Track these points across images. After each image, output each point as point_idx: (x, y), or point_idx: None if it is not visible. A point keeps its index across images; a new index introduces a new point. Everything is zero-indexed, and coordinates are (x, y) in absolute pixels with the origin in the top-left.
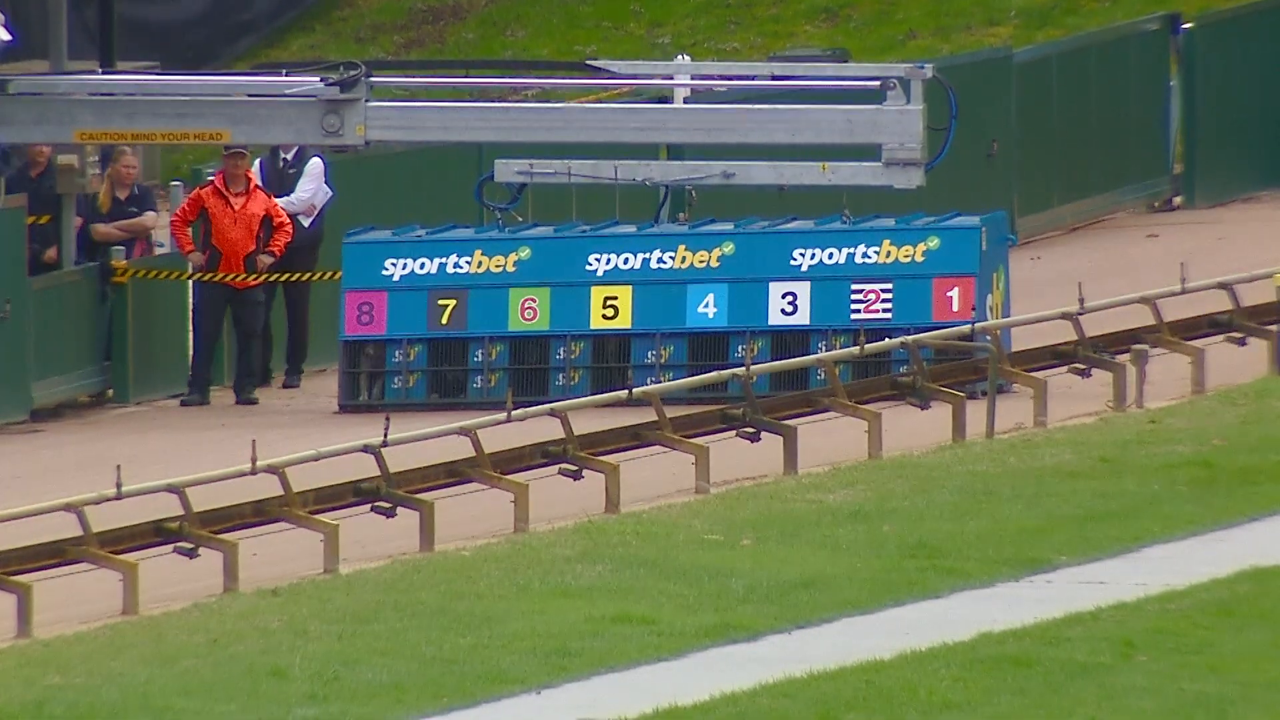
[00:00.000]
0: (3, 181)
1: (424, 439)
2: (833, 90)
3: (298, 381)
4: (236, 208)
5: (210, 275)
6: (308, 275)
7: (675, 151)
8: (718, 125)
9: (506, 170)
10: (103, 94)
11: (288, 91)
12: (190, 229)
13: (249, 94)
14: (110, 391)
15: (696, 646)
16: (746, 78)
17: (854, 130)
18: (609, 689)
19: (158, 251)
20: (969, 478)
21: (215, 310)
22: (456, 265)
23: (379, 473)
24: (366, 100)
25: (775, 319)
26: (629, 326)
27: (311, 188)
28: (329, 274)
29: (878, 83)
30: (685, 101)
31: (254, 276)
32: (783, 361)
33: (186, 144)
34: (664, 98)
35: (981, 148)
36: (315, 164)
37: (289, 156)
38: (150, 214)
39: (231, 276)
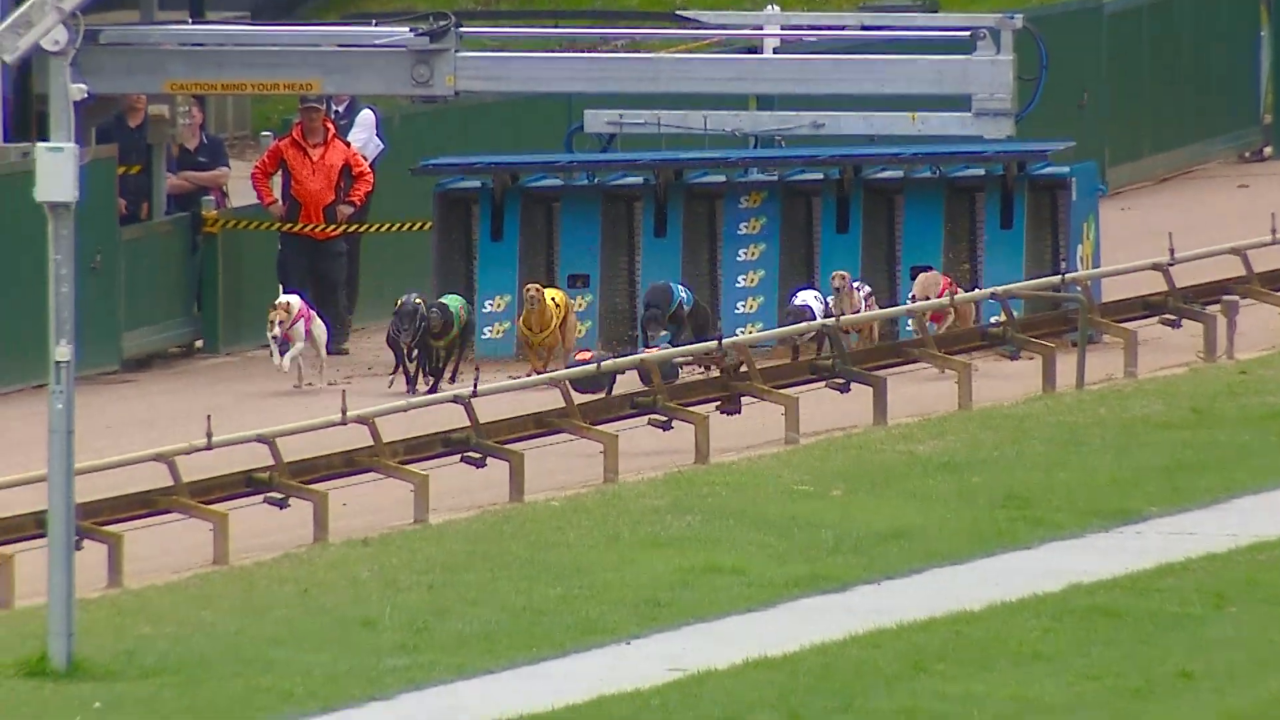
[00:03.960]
0: (93, 132)
1: (513, 390)
2: (922, 40)
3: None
4: (315, 159)
5: (291, 226)
6: (391, 226)
7: (764, 102)
8: (807, 76)
9: (596, 121)
10: (193, 44)
11: (377, 42)
12: (271, 181)
13: (339, 44)
14: (200, 342)
15: (786, 597)
16: (836, 28)
17: (943, 81)
18: (698, 639)
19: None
20: (1059, 428)
21: (298, 261)
22: None
23: (468, 423)
24: (456, 51)
25: None
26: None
27: (363, 138)
28: (417, 224)
29: (968, 33)
30: (774, 52)
31: (334, 227)
32: (873, 313)
33: (277, 94)
34: (753, 48)
35: (1072, 98)
36: (366, 115)
37: (340, 108)
38: (223, 169)
39: (311, 227)
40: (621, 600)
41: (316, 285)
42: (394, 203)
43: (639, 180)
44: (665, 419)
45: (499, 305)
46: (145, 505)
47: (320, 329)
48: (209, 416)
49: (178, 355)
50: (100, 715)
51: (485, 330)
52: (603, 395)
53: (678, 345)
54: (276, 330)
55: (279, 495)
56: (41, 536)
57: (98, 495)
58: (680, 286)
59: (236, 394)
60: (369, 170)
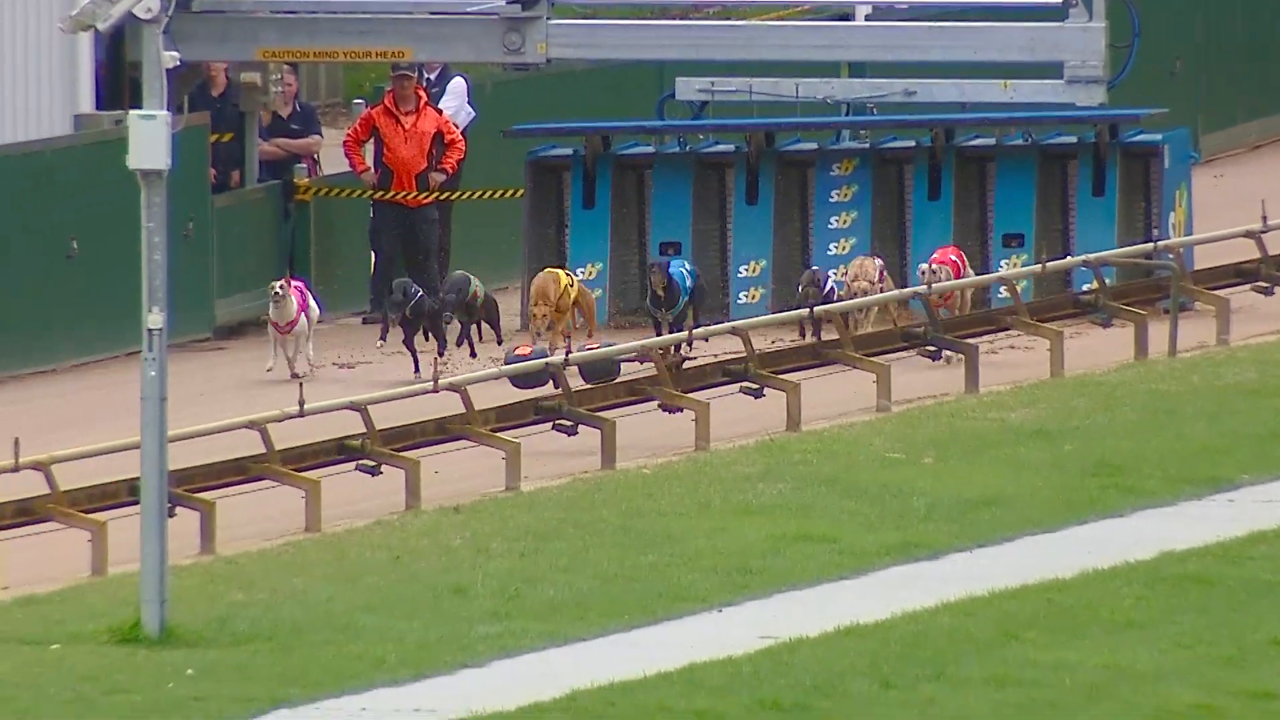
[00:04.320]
0: (186, 100)
1: (612, 355)
2: (1015, 8)
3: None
4: (407, 126)
5: (382, 194)
6: (483, 194)
7: (856, 69)
8: (900, 43)
9: (688, 88)
10: (285, 11)
11: (470, 9)
12: (363, 148)
13: (431, 12)
14: None
15: (878, 565)
16: None
17: (1036, 48)
18: (790, 607)
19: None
20: (1151, 396)
21: (390, 229)
22: None
23: (560, 391)
24: (548, 18)
25: None
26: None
27: (454, 106)
28: (508, 192)
29: (1060, 0)
30: (867, 19)
31: (426, 194)
32: (964, 280)
33: (369, 62)
34: (845, 15)
35: (1164, 65)
36: (458, 83)
37: (432, 76)
38: (315, 137)
39: (403, 195)
40: (713, 568)
41: (408, 253)
42: (486, 170)
43: (731, 147)
44: (757, 386)
45: (591, 273)
46: (238, 472)
47: (315, 313)
48: (301, 383)
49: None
50: (192, 682)
51: None
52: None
53: (679, 328)
54: (277, 319)
55: (371, 462)
56: (134, 504)
57: (190, 462)
58: (684, 266)
59: (327, 361)
60: (461, 138)
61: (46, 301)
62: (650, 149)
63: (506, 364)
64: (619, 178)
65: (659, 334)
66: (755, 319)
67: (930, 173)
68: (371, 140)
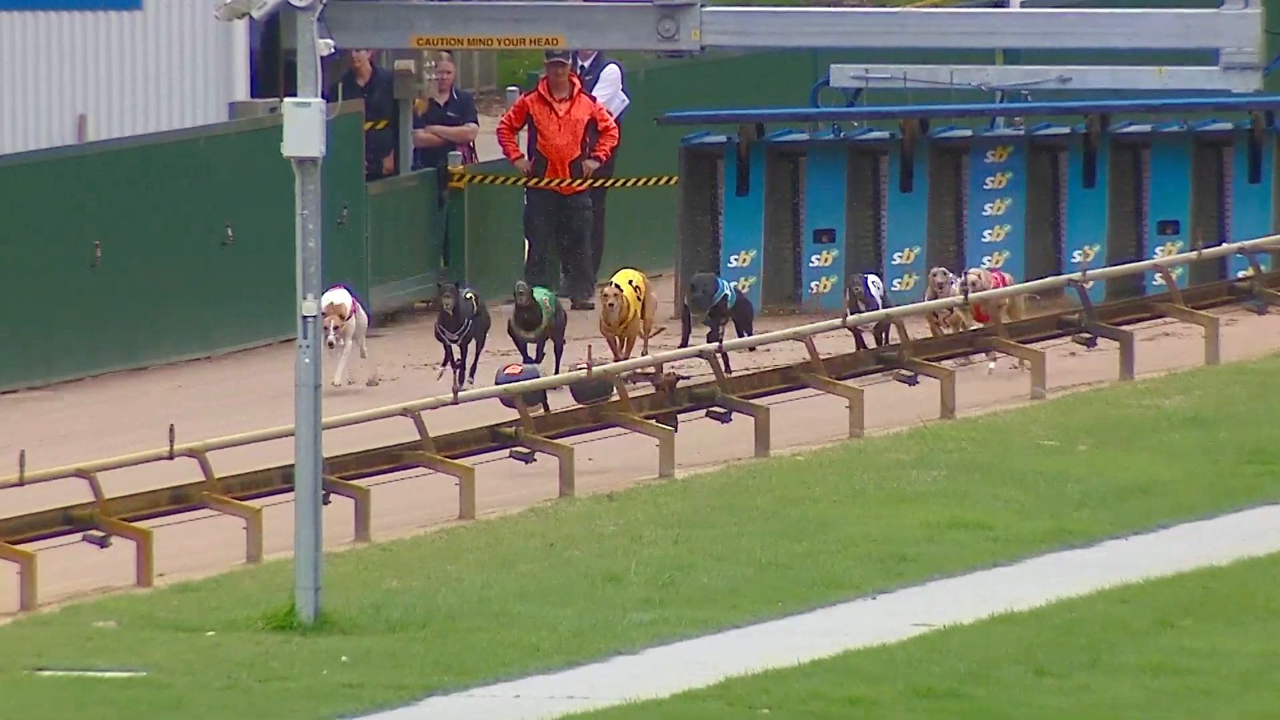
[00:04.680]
0: (340, 88)
1: (760, 345)
2: None
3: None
4: (561, 114)
5: (536, 181)
6: (636, 181)
7: (1010, 56)
8: (1054, 29)
9: (842, 75)
10: (440, 0)
11: None
12: (517, 136)
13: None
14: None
15: (1032, 552)
16: None
17: (1190, 34)
18: (944, 594)
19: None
20: None
21: (544, 216)
22: None
23: (715, 378)
24: (701, 5)
25: None
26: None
27: (607, 93)
28: (662, 180)
29: None
30: (1021, 5)
31: (580, 181)
32: (1119, 266)
33: (523, 49)
34: (999, 2)
35: None
36: (611, 70)
37: (585, 63)
38: (471, 125)
39: (557, 182)
40: (866, 555)
41: (561, 240)
42: (639, 158)
43: (885, 135)
44: (911, 374)
45: (744, 260)
46: (391, 460)
47: (363, 320)
48: (455, 371)
49: (424, 310)
50: (347, 669)
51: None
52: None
53: (716, 339)
54: (332, 336)
55: (524, 450)
56: (289, 491)
57: (344, 450)
58: (726, 282)
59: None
60: (615, 125)
61: (202, 289)
62: (804, 136)
63: (497, 383)
64: (773, 165)
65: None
66: (909, 306)
67: (1085, 160)
68: (525, 128)
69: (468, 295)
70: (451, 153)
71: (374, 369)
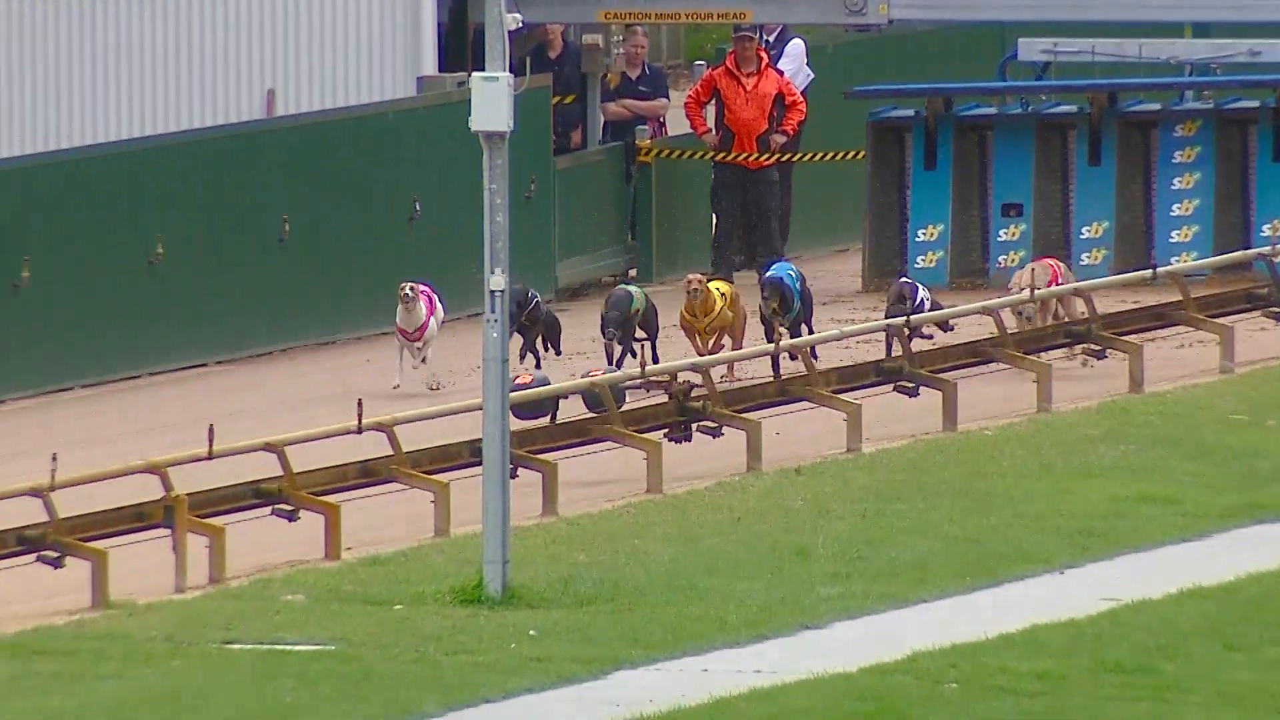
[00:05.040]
0: (528, 62)
1: (947, 318)
2: None
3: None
4: (748, 88)
5: (724, 155)
6: (823, 155)
7: (1200, 30)
8: (1244, 2)
9: (1030, 49)
10: None
11: None
12: (704, 110)
13: None
14: (633, 271)
15: (1221, 527)
16: None
17: None
18: (1132, 569)
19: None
20: None
21: (731, 190)
22: None
23: (900, 351)
24: None
25: None
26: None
27: (792, 68)
28: (849, 154)
29: None
30: None
31: (767, 156)
32: (1065, 286)
33: (710, 24)
34: None
35: None
36: (796, 45)
37: (770, 37)
38: (662, 100)
39: (744, 156)
40: (1055, 529)
41: (748, 214)
42: (825, 132)
43: (1073, 109)
44: (1098, 348)
45: (931, 234)
46: (579, 434)
47: (440, 316)
48: (643, 345)
49: (611, 284)
50: (535, 643)
51: (918, 260)
52: (546, 420)
53: (796, 332)
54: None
55: (712, 424)
56: (476, 464)
57: (535, 425)
58: (791, 272)
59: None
60: (802, 99)
61: (390, 263)
62: (992, 110)
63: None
64: (960, 139)
65: (768, 339)
66: (1098, 280)
67: (1274, 133)
68: (713, 102)
69: (532, 295)
70: (639, 127)
71: (433, 374)
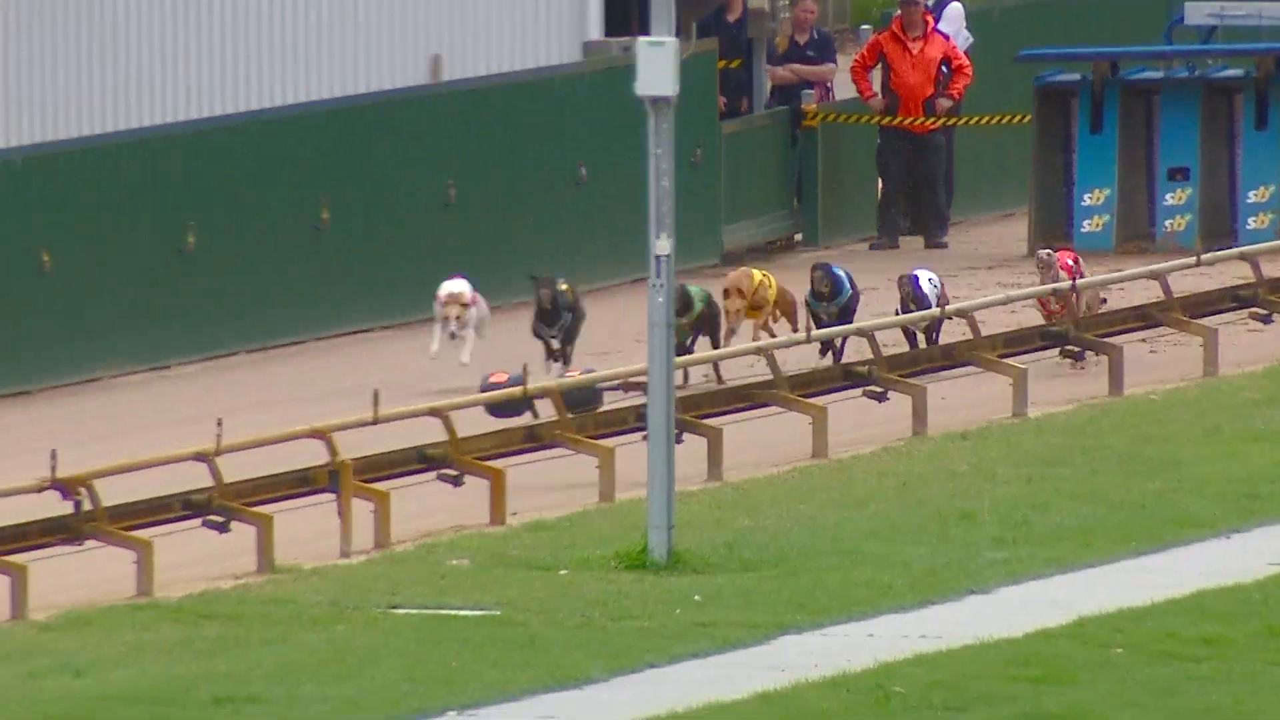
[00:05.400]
0: (694, 26)
1: (1111, 283)
2: None
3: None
4: (914, 52)
5: (890, 120)
6: (988, 119)
7: None
8: None
9: (1197, 13)
10: None
11: None
12: (870, 74)
13: None
14: (799, 235)
15: None
16: None
17: None
18: None
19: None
20: None
21: (897, 155)
22: None
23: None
24: None
25: None
26: None
27: (951, 31)
28: (1014, 118)
29: None
30: None
31: (933, 120)
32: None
33: None
34: None
35: None
36: (955, 8)
37: (929, 3)
38: (830, 65)
39: (910, 120)
40: (1221, 494)
41: (914, 179)
42: (988, 96)
43: (1239, 73)
44: (1266, 312)
45: (1097, 199)
46: (743, 399)
47: (484, 309)
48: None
49: (777, 248)
50: (699, 608)
51: (1084, 224)
52: (525, 417)
53: (844, 320)
54: (454, 327)
55: (878, 389)
56: (641, 430)
57: (698, 390)
58: (846, 276)
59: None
60: (968, 63)
61: (556, 228)
62: (1158, 74)
63: (481, 391)
64: (1126, 103)
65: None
66: (1264, 244)
67: None
68: (878, 66)
69: (563, 288)
70: (805, 91)
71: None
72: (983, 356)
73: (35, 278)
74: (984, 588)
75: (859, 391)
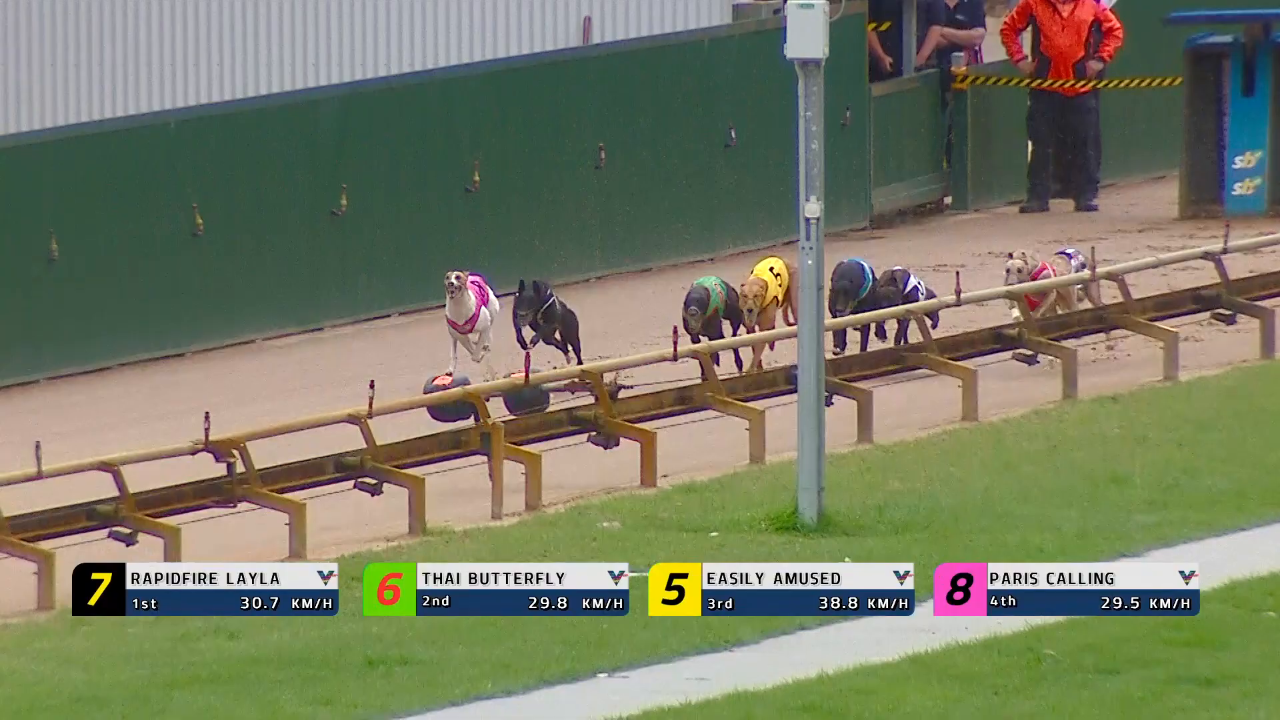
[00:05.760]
0: None
1: (1260, 247)
2: None
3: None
4: (1065, 14)
5: (1040, 82)
6: (1139, 82)
7: None
8: None
9: None
10: None
11: None
12: (1020, 37)
13: None
14: (948, 198)
15: None
16: None
17: None
18: None
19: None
20: None
21: (1047, 118)
22: None
23: (1219, 279)
24: None
25: None
26: None
27: None
28: (1164, 80)
29: None
30: None
31: (1083, 83)
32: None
33: None
34: None
35: None
36: None
37: None
38: (980, 29)
39: (1061, 83)
40: None
41: (1064, 141)
42: (1136, 59)
43: None
44: None
45: (1249, 161)
46: (895, 361)
47: (496, 308)
48: (958, 273)
49: (926, 211)
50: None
51: (1235, 187)
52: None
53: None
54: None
55: (1027, 352)
56: (791, 392)
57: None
58: (869, 268)
59: (968, 253)
60: (1119, 25)
61: (704, 191)
62: None
63: (425, 393)
64: (1279, 65)
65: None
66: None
67: None
68: (1029, 29)
69: (549, 293)
70: (955, 54)
71: (489, 367)
72: (1132, 319)
73: (189, 239)
74: (1134, 551)
75: (1008, 355)
